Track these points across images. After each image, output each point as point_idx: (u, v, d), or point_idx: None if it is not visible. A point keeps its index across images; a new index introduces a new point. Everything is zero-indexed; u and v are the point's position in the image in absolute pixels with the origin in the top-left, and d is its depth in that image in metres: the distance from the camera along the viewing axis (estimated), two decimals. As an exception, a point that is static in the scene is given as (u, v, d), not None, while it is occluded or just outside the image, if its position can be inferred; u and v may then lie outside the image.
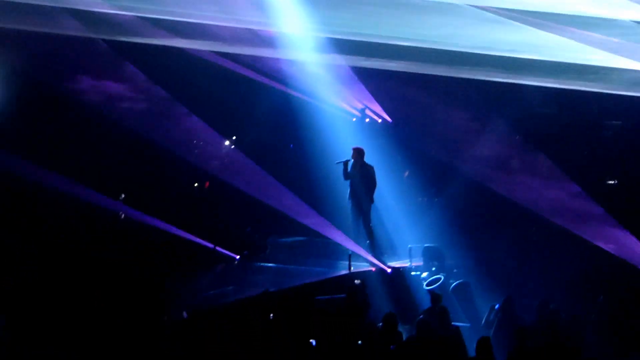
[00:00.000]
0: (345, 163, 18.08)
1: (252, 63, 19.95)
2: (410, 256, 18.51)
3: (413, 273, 18.00)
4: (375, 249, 18.43)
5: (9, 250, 16.50)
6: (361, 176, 18.39)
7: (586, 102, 19.02)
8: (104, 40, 18.58)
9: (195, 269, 17.53)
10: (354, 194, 18.48)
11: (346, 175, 18.23)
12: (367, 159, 18.55)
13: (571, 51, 15.14)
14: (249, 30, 17.76)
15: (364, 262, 18.04)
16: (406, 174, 21.25)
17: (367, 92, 21.10)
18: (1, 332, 12.52)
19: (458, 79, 18.54)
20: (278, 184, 19.62)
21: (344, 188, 18.55)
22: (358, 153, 18.43)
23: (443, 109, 20.73)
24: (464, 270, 17.85)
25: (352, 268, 17.66)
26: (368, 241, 18.38)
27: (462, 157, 20.77)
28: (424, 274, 17.86)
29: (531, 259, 18.52)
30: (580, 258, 18.07)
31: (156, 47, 18.18)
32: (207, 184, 20.53)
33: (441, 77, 18.55)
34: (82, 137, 19.12)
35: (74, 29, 17.13)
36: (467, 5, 14.54)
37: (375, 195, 18.76)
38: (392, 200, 20.11)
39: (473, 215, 20.06)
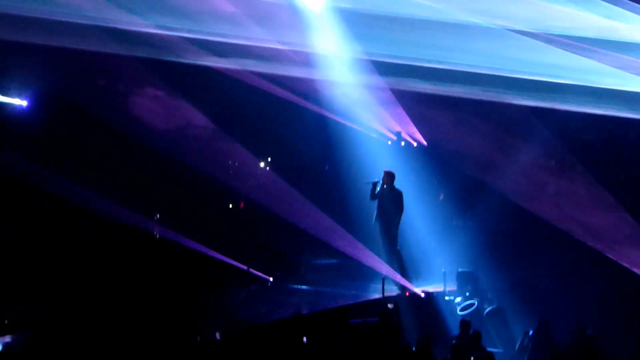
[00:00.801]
0: (374, 184, 18.06)
1: (288, 84, 19.92)
2: (444, 280, 18.40)
3: (447, 298, 17.95)
4: (406, 273, 18.35)
5: (49, 273, 16.77)
6: (390, 200, 18.35)
7: (624, 127, 19.12)
8: (138, 58, 18.48)
9: (229, 290, 17.63)
10: (381, 217, 18.41)
11: (373, 196, 18.18)
12: (402, 181, 18.61)
13: (611, 77, 15.37)
14: (288, 50, 18.06)
15: (397, 286, 18.06)
16: (441, 197, 21.17)
17: (404, 115, 21.13)
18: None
19: (493, 101, 18.83)
20: (312, 206, 19.63)
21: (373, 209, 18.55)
22: (389, 176, 18.38)
23: (478, 132, 20.64)
24: (499, 295, 17.80)
25: (385, 292, 17.63)
26: (396, 265, 18.31)
27: (496, 180, 20.55)
28: (458, 299, 17.87)
29: (567, 282, 18.22)
30: (616, 283, 17.97)
31: (192, 67, 18.47)
32: (242, 204, 20.53)
33: (477, 99, 18.80)
34: (118, 157, 19.24)
35: (112, 47, 17.45)
36: (506, 29, 14.57)
37: (410, 218, 18.78)
38: (426, 223, 19.99)
39: (508, 238, 19.90)
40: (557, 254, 19.27)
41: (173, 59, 17.73)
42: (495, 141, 20.74)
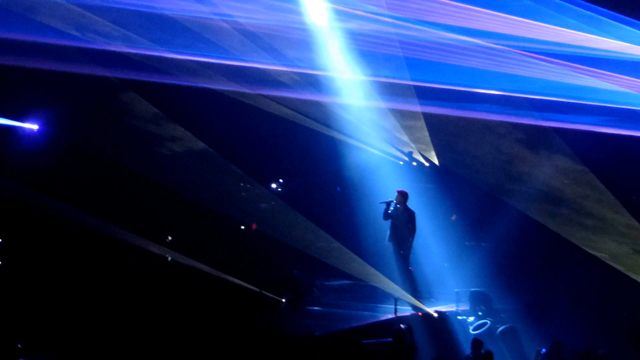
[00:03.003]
0: (388, 204, 18.33)
1: (298, 106, 20.21)
2: (457, 300, 18.59)
3: (459, 317, 18.05)
4: (419, 293, 18.45)
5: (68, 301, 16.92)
6: (403, 220, 18.57)
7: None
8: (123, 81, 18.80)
9: (242, 312, 17.60)
10: (394, 236, 18.58)
11: (386, 215, 18.44)
12: (414, 202, 18.87)
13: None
14: (298, 73, 18.39)
15: (410, 306, 18.12)
16: (453, 217, 21.15)
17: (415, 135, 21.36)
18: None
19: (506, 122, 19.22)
20: (323, 228, 19.74)
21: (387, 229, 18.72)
22: (402, 196, 18.69)
23: (492, 153, 20.84)
24: (511, 315, 17.86)
25: (398, 312, 17.74)
26: (409, 284, 18.44)
27: (510, 199, 20.64)
28: (471, 319, 17.98)
29: (580, 303, 18.43)
30: (631, 304, 18.22)
31: (198, 89, 18.67)
32: (254, 226, 20.64)
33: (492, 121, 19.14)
34: (127, 182, 19.39)
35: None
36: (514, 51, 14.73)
37: (423, 238, 18.99)
38: (439, 243, 20.03)
39: (521, 259, 20.01)
40: (572, 274, 19.29)
41: (178, 81, 18.06)
42: (509, 161, 20.93)
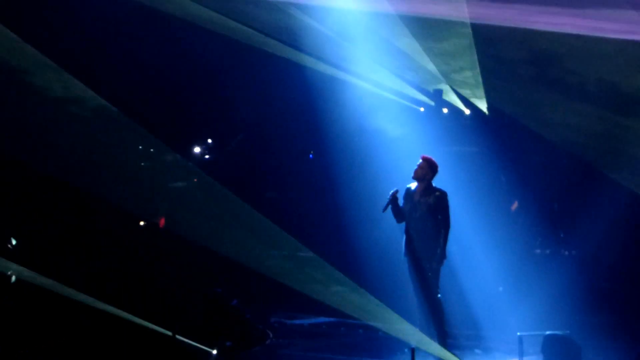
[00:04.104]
0: (394, 195, 13.40)
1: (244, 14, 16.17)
2: (521, 351, 13.66)
3: None
4: (451, 338, 14.09)
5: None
6: (426, 210, 13.54)
7: None
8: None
9: None
10: (411, 243, 13.59)
11: (398, 212, 13.45)
12: (443, 179, 13.81)
13: None
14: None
15: None
16: (514, 206, 17.63)
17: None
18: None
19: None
20: (283, 231, 16.10)
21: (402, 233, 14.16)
22: (429, 167, 13.45)
23: (584, 95, 16.79)
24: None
25: None
26: (436, 324, 13.80)
27: (616, 176, 17.03)
28: None
29: None
30: None
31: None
32: (162, 221, 16.25)
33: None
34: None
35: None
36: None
37: (460, 241, 15.00)
38: (488, 252, 16.39)
39: (635, 281, 16.33)
40: None
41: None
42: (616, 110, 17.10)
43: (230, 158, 18.78)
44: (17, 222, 16.37)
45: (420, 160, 13.68)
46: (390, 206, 13.69)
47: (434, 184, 13.68)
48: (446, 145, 16.94)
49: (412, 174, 13.64)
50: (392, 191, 13.63)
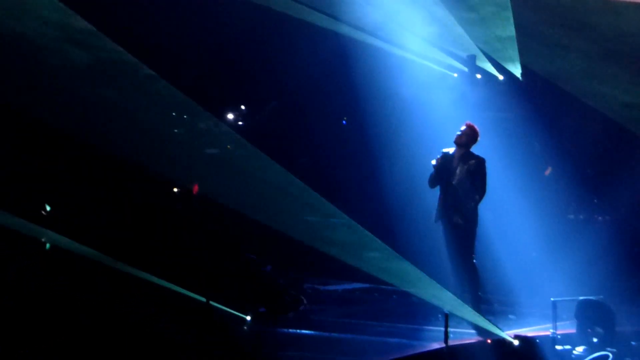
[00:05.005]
0: (438, 160, 13.70)
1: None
2: (554, 316, 13.90)
3: (559, 347, 13.87)
4: (485, 304, 14.61)
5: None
6: (464, 176, 13.76)
7: None
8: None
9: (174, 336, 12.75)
10: (447, 209, 13.61)
11: (434, 178, 13.72)
12: (477, 146, 13.99)
13: None
14: None
15: (472, 327, 13.81)
16: (548, 171, 17.76)
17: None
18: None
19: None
20: (318, 195, 15.43)
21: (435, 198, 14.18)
22: (472, 134, 13.68)
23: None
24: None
25: (450, 337, 12.97)
26: (471, 290, 14.09)
27: None
28: (579, 349, 13.81)
29: None
30: None
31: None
32: (196, 188, 15.89)
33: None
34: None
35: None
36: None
37: (496, 208, 15.11)
38: (523, 218, 16.39)
39: None
40: None
41: None
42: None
43: (265, 124, 18.32)
44: (51, 188, 15.98)
45: (464, 127, 13.84)
46: (435, 168, 13.87)
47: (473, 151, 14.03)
48: (481, 111, 16.69)
49: (454, 139, 13.79)
50: (434, 161, 13.77)
